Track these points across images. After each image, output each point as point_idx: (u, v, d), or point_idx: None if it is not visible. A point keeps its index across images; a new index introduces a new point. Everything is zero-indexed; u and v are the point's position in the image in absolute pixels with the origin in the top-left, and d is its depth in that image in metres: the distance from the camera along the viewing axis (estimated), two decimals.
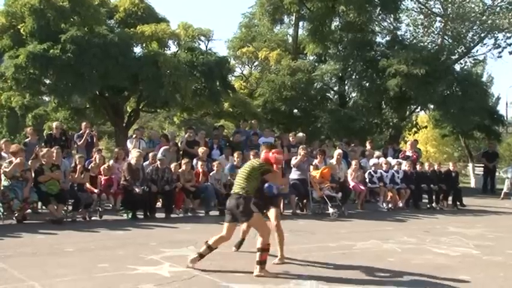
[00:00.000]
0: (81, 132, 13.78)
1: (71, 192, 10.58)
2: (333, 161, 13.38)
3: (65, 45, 14.98)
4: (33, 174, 10.19)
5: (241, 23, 26.51)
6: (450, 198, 14.72)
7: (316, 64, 22.84)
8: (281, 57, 22.27)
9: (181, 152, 14.01)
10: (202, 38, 21.25)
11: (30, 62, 14.76)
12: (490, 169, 19.46)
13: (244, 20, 26.46)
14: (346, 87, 23.25)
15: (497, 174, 20.01)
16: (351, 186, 13.64)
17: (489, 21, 20.62)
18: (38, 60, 14.77)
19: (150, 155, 12.18)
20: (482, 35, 21.85)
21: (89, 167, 11.28)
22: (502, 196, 17.38)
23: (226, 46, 26.04)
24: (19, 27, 15.96)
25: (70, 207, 10.54)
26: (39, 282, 5.69)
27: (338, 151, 13.94)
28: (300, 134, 16.75)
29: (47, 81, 16.50)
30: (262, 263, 6.27)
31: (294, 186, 12.60)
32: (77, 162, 11.06)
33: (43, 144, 12.89)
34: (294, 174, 12.84)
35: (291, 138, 15.39)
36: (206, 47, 21.39)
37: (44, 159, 10.39)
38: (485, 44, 22.34)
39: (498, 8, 21.20)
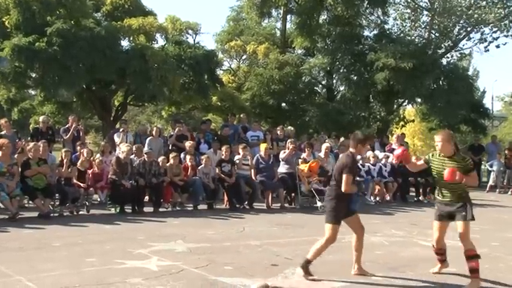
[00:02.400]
0: (67, 126, 13.66)
1: (57, 186, 10.51)
2: (321, 154, 13.42)
3: (51, 38, 14.83)
4: (19, 169, 10.09)
5: (229, 16, 26.42)
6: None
7: (304, 58, 22.87)
8: (269, 51, 22.24)
9: (170, 147, 13.95)
10: (190, 31, 21.20)
11: (15, 55, 14.61)
12: (476, 162, 19.63)
13: (232, 14, 26.38)
14: (334, 81, 23.32)
15: (482, 167, 20.20)
16: None
17: (475, 16, 20.76)
18: (24, 53, 14.62)
19: (134, 147, 12.05)
20: (469, 29, 22.01)
21: (78, 162, 11.20)
22: (487, 189, 17.57)
23: (214, 40, 25.97)
24: (4, 19, 15.76)
25: (57, 202, 10.47)
26: (26, 277, 5.65)
27: (326, 145, 13.98)
28: (289, 128, 16.77)
29: (33, 75, 16.35)
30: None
31: (282, 180, 12.63)
32: (63, 157, 10.98)
33: (29, 138, 12.77)
34: (282, 168, 12.88)
35: (279, 132, 15.41)
36: (194, 40, 21.34)
37: (30, 153, 10.30)
38: (471, 38, 22.53)
39: (484, 3, 21.34)
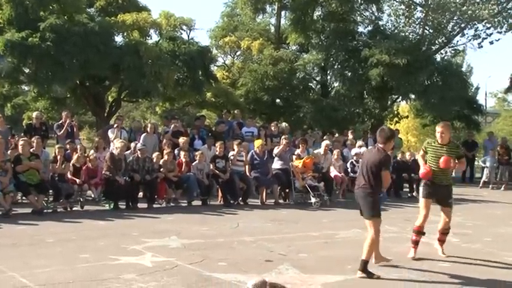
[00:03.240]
0: (61, 122, 13.60)
1: (51, 182, 10.47)
2: (321, 151, 13.43)
3: (44, 34, 14.75)
4: (12, 165, 10.04)
5: (223, 12, 26.36)
6: None
7: (299, 54, 22.85)
8: (263, 46, 22.22)
9: (164, 142, 13.91)
10: (184, 27, 21.15)
11: (8, 51, 14.51)
12: (469, 158, 19.72)
13: (226, 9, 26.32)
14: (328, 77, 23.32)
15: (476, 163, 20.29)
16: (332, 176, 13.72)
17: (469, 12, 20.76)
18: (17, 49, 14.53)
19: (132, 145, 12.07)
20: (463, 25, 22.02)
21: (74, 158, 11.15)
22: (480, 185, 17.65)
23: (208, 35, 25.90)
24: None
25: (51, 198, 10.43)
26: (19, 274, 5.63)
27: (326, 142, 13.99)
28: (283, 124, 16.77)
29: (26, 70, 16.25)
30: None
31: (277, 176, 12.64)
32: (57, 153, 10.94)
33: (22, 134, 12.71)
34: (277, 164, 12.88)
35: (273, 128, 15.41)
36: (188, 36, 21.30)
37: (22, 149, 10.23)
38: (465, 35, 22.55)
39: None
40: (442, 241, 7.23)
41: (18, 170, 9.96)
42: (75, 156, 11.23)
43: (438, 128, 6.93)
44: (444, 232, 7.21)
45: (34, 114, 13.90)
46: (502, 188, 17.25)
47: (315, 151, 13.62)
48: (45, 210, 10.00)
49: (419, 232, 6.96)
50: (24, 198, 10.59)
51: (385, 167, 6.11)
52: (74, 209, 10.55)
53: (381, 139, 6.29)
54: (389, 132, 6.38)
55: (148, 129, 13.70)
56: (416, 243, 6.96)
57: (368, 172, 6.17)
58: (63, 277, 5.56)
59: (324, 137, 15.53)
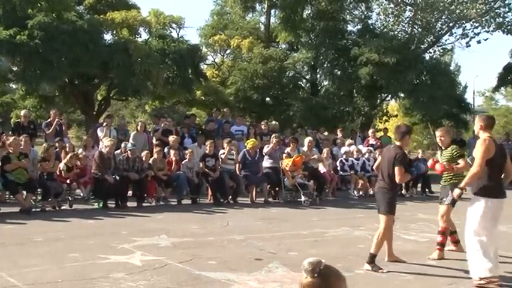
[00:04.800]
0: (49, 120, 13.51)
1: (40, 181, 10.39)
2: (304, 148, 13.47)
3: (32, 32, 14.64)
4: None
5: (213, 10, 26.36)
6: (419, 185, 14.98)
7: (288, 52, 22.90)
8: (253, 45, 22.24)
9: (155, 141, 13.86)
10: (174, 25, 21.14)
11: None
12: None
13: (216, 8, 26.32)
14: (318, 76, 23.40)
15: None
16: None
17: (457, 11, 20.92)
18: (4, 47, 14.42)
19: (122, 145, 12.00)
20: (451, 24, 22.19)
21: (67, 157, 11.08)
22: None
23: (198, 34, 25.91)
24: None
25: (39, 197, 10.36)
26: (7, 273, 5.59)
27: (308, 138, 14.02)
28: (273, 123, 16.80)
29: (14, 68, 16.12)
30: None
31: (266, 175, 12.65)
32: (48, 151, 10.84)
33: (10, 132, 12.60)
34: (266, 163, 12.89)
35: (263, 127, 15.42)
36: (178, 34, 21.30)
37: (10, 147, 10.16)
38: (453, 34, 22.72)
39: None
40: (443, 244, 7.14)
41: (6, 169, 9.88)
42: (67, 156, 11.14)
43: (437, 133, 7.09)
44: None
45: (22, 112, 13.79)
46: None
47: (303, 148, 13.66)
48: (33, 209, 9.92)
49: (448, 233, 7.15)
50: (12, 197, 10.50)
51: (398, 163, 6.20)
52: (62, 208, 10.47)
53: (397, 135, 6.51)
54: (404, 128, 6.61)
55: (138, 128, 13.65)
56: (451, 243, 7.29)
57: (386, 169, 6.34)
58: (51, 276, 5.53)
59: (316, 135, 15.57)
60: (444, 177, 7.09)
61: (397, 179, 6.25)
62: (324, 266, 2.26)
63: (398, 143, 6.44)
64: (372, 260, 6.18)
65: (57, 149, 11.66)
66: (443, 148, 7.04)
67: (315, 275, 2.23)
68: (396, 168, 6.20)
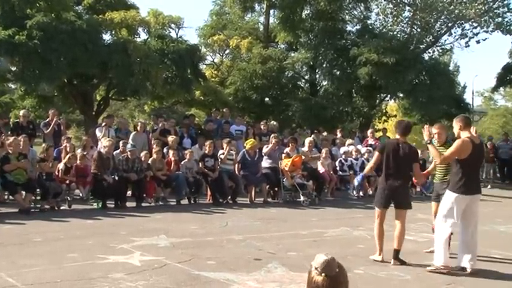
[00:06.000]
0: (48, 120, 13.49)
1: (39, 181, 10.37)
2: (305, 148, 13.47)
3: (31, 32, 14.62)
4: None
5: (212, 10, 26.34)
6: None
7: (287, 52, 22.88)
8: (252, 45, 22.23)
9: (153, 141, 13.84)
10: (173, 25, 21.11)
11: None
12: None
13: (215, 8, 26.30)
14: (317, 76, 23.39)
15: None
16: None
17: (456, 11, 20.92)
18: (3, 47, 14.40)
19: (121, 143, 11.98)
20: (450, 24, 22.19)
21: (66, 157, 11.07)
22: None
23: (197, 34, 25.92)
24: None
25: (38, 197, 10.34)
26: (6, 273, 5.58)
27: (309, 139, 14.03)
28: (272, 123, 16.79)
29: (13, 68, 16.11)
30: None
31: (266, 175, 12.64)
32: (47, 151, 10.83)
33: (9, 132, 12.59)
34: (265, 163, 12.89)
35: (262, 127, 15.41)
36: (177, 34, 21.27)
37: (10, 148, 10.15)
38: (452, 34, 22.72)
39: None
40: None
41: (6, 170, 9.86)
42: (66, 157, 11.13)
43: (434, 130, 7.17)
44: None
45: (21, 112, 13.77)
46: (489, 186, 17.40)
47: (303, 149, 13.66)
48: (32, 210, 9.91)
49: None
50: (11, 197, 10.48)
51: (416, 160, 6.75)
52: (61, 208, 10.46)
53: (400, 130, 6.80)
54: (407, 123, 7.16)
55: (138, 128, 13.63)
56: None
57: (404, 165, 6.66)
58: (50, 276, 5.52)
59: (312, 135, 15.57)
60: (437, 173, 7.24)
61: (417, 178, 6.90)
62: (338, 266, 2.24)
63: (401, 138, 6.73)
64: (397, 255, 6.53)
65: (61, 148, 11.65)
66: (438, 145, 7.08)
67: (332, 273, 2.19)
68: (416, 166, 6.72)
